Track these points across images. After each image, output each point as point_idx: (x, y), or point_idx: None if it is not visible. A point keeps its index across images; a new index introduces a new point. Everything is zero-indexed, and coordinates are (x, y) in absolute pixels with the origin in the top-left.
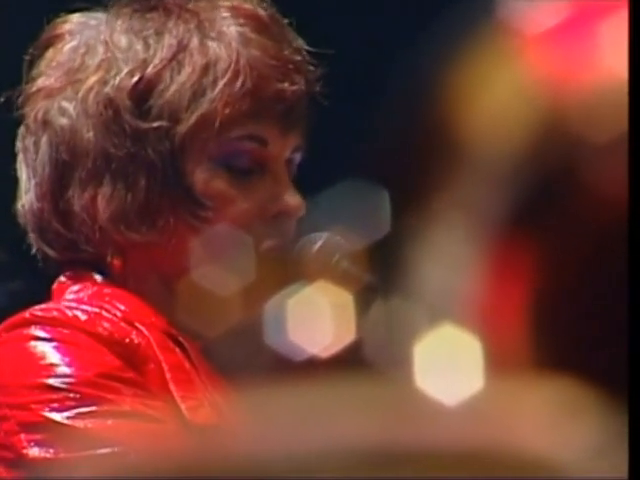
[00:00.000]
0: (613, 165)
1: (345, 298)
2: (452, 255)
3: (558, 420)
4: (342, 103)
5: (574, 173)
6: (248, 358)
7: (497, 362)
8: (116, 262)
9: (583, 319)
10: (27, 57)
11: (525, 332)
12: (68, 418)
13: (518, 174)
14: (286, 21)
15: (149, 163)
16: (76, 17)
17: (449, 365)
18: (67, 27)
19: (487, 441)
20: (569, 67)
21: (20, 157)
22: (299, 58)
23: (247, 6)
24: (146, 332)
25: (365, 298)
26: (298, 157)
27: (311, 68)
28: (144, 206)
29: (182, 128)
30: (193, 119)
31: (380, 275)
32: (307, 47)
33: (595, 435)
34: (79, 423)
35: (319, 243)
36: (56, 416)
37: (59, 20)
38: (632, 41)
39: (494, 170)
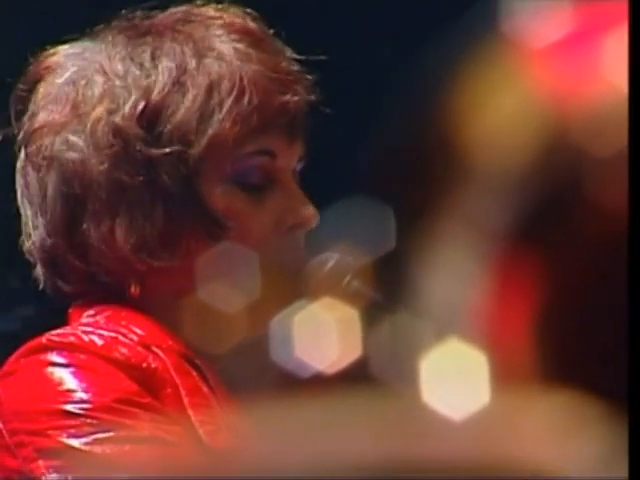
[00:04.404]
0: (617, 178)
1: (351, 314)
2: (457, 269)
3: (563, 434)
4: (346, 118)
5: (579, 187)
6: (255, 375)
7: (503, 376)
8: (136, 290)
9: (588, 333)
10: (16, 92)
11: (531, 346)
12: (86, 444)
13: (523, 188)
14: (272, 32)
15: (165, 189)
16: (63, 49)
17: (455, 380)
18: (55, 59)
19: (493, 455)
20: (573, 81)
21: (22, 193)
22: (295, 68)
23: (239, 21)
24: (163, 356)
25: (371, 314)
26: (300, 167)
27: (307, 77)
28: (164, 233)
29: (195, 151)
30: (205, 141)
31: (386, 291)
32: (297, 56)
33: (600, 448)
34: (97, 449)
35: (330, 264)
36: (74, 442)
37: (46, 53)
38: (632, 53)
39: (499, 184)
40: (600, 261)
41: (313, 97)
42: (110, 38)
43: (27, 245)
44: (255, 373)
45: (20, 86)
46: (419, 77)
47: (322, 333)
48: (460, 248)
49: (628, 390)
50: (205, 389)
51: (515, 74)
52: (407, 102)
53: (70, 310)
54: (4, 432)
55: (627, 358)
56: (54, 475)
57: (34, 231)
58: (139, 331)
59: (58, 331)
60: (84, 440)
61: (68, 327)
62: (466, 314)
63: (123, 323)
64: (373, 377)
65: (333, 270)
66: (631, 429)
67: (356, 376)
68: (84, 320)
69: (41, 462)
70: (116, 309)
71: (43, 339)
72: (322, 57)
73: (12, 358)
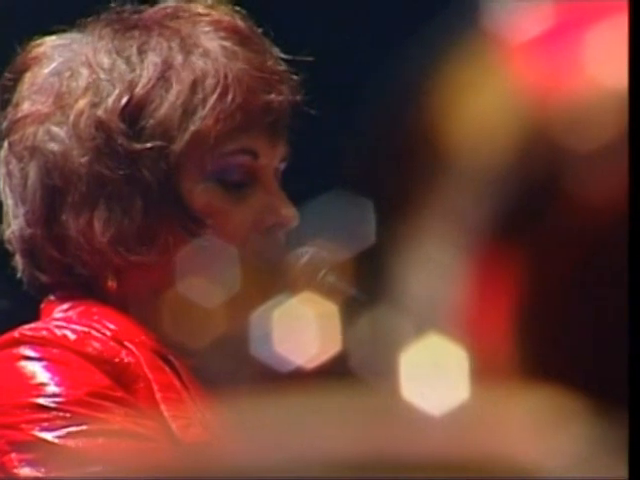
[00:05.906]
0: (599, 174)
1: (330, 309)
2: (437, 265)
3: (544, 429)
4: (326, 113)
5: (559, 182)
6: (234, 369)
7: (483, 372)
8: (112, 284)
9: (568, 328)
10: (3, 82)
11: (511, 342)
12: (59, 437)
13: (504, 183)
14: (260, 30)
15: (145, 184)
16: (51, 39)
17: (435, 375)
18: (42, 50)
19: (473, 451)
20: (553, 76)
21: (4, 182)
22: (281, 68)
23: (227, 19)
24: (136, 351)
25: (350, 309)
26: (282, 166)
27: (293, 77)
28: (142, 227)
29: (176, 147)
30: (186, 137)
31: (365, 286)
32: (284, 55)
33: (581, 443)
34: (70, 442)
35: (305, 258)
36: (47, 435)
37: (34, 43)
38: (631, 49)
39: (479, 179)
40: (580, 256)
41: (298, 97)
42: (97, 31)
43: (7, 234)
44: (233, 368)
45: (7, 75)
46: (400, 73)
47: (301, 328)
48: (440, 243)
49: (629, 389)
50: (178, 384)
51: (495, 69)
52: (388, 97)
53: (42, 305)
54: None
55: (627, 358)
56: (26, 468)
57: (14, 220)
58: (112, 326)
59: (30, 325)
60: (57, 433)
61: (40, 322)
62: (446, 309)
63: (96, 318)
64: (352, 372)
65: (308, 265)
66: (631, 429)
67: (335, 371)
68: (57, 315)
69: (13, 455)
70: (89, 304)
71: (15, 333)
72: (309, 58)
73: None
